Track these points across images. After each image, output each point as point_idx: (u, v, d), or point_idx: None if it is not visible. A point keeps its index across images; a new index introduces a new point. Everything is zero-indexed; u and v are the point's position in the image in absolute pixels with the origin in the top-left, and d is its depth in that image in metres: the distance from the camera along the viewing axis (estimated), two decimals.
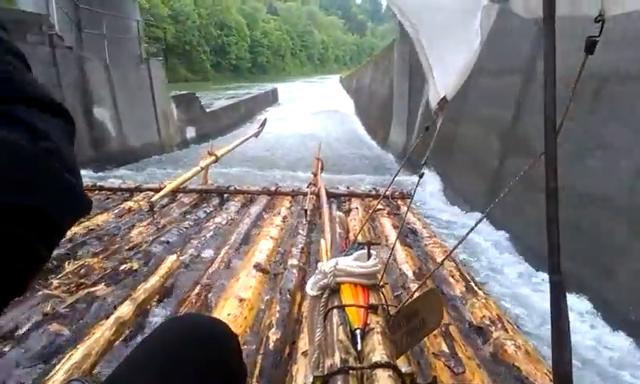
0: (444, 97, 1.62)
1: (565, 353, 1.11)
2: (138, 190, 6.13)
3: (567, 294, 1.13)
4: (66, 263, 3.55)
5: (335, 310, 1.43)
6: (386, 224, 4.48)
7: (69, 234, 3.93)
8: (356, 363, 1.17)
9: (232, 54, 72.46)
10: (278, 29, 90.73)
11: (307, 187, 5.90)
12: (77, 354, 2.20)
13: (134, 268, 3.55)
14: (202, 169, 6.33)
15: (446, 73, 1.49)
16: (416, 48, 1.51)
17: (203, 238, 4.35)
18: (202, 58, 64.30)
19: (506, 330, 2.71)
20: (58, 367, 2.12)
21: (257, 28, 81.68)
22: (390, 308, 1.63)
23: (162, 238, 4.29)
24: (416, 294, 1.79)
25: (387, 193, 4.62)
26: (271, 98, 39.75)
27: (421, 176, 1.71)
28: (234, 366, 0.90)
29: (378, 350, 1.20)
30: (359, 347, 1.25)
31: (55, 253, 1.83)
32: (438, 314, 1.56)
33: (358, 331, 1.30)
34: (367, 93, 27.71)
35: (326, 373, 1.14)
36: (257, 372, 2.24)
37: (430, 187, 9.83)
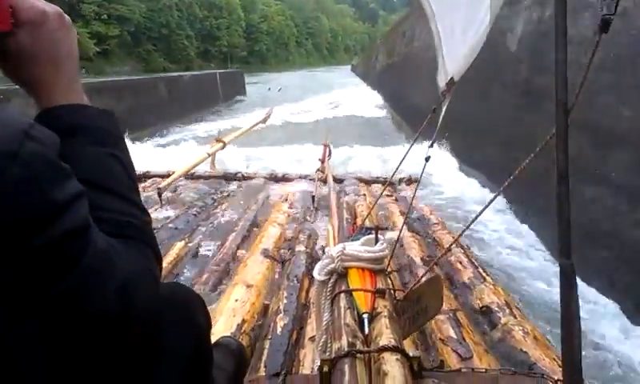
0: (451, 78, 1.59)
1: (574, 339, 1.09)
2: (146, 176, 6.16)
3: None
4: None
5: (342, 295, 1.43)
6: (394, 209, 4.46)
7: None
8: (363, 347, 1.16)
9: (223, 40, 60.98)
10: (281, 14, 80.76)
11: (315, 173, 5.88)
12: None
13: None
14: (210, 155, 6.33)
15: (456, 54, 1.47)
16: (431, 28, 1.48)
17: (211, 225, 4.36)
18: (185, 44, 53.53)
19: (514, 316, 2.70)
20: None
21: (254, 11, 71.32)
22: (396, 293, 1.63)
23: (170, 225, 4.31)
24: (422, 280, 1.78)
25: (394, 178, 4.57)
26: (219, 94, 23.89)
27: (427, 159, 1.68)
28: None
29: (385, 334, 1.19)
30: (366, 331, 1.25)
31: None
32: (438, 300, 1.56)
33: (365, 315, 1.29)
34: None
35: (333, 356, 1.14)
36: (265, 357, 2.25)
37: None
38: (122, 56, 42.09)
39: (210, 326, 1.01)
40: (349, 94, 21.40)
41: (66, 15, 0.69)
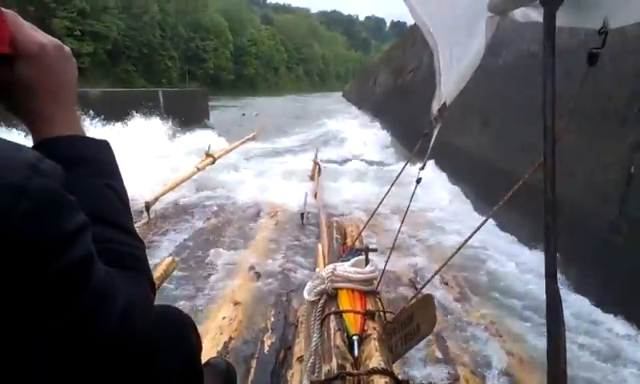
0: (444, 103, 1.63)
1: (560, 361, 1.11)
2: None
3: None
4: None
5: (332, 316, 1.43)
6: (384, 229, 4.49)
7: None
8: (353, 369, 1.17)
9: (209, 62, 56.76)
10: (271, 38, 77.08)
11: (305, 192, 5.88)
12: None
13: None
14: (199, 170, 6.31)
15: (449, 79, 1.51)
16: (434, 60, 1.52)
17: (199, 240, 4.34)
18: (167, 65, 48.92)
19: (500, 336, 2.72)
20: None
21: (243, 33, 66.80)
22: (386, 314, 1.63)
23: (158, 239, 4.28)
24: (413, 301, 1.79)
25: (383, 202, 4.58)
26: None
27: (418, 181, 1.71)
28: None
29: (374, 357, 1.20)
30: (356, 353, 1.25)
31: None
32: (431, 319, 1.56)
33: (355, 337, 1.30)
34: None
35: (323, 378, 1.14)
36: (251, 376, 2.24)
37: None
38: (98, 76, 37.56)
39: (200, 347, 1.02)
40: (346, 127, 14.78)
41: (66, 47, 0.70)
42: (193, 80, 51.70)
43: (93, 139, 0.71)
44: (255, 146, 10.29)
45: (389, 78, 18.59)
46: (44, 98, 0.65)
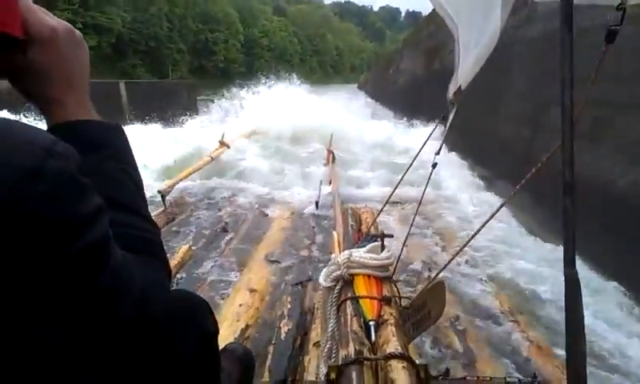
0: (459, 87, 1.61)
1: (579, 348, 1.10)
2: None
3: None
4: None
5: (349, 302, 1.44)
6: (399, 216, 4.48)
7: None
8: (370, 354, 1.17)
9: (219, 54, 54.01)
10: (284, 29, 74.53)
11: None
12: None
13: None
14: (213, 159, 6.35)
15: (466, 65, 1.48)
16: (454, 43, 1.50)
17: (215, 229, 4.38)
18: (176, 59, 46.72)
19: (518, 323, 2.71)
20: None
21: (254, 25, 64.22)
22: (401, 300, 1.64)
23: (174, 228, 4.33)
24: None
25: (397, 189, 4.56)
26: (125, 117, 12.52)
27: (434, 166, 1.70)
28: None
29: (392, 342, 1.21)
30: (373, 338, 1.26)
31: None
32: (441, 304, 1.57)
33: (372, 323, 1.31)
34: None
35: (340, 363, 1.15)
36: (269, 362, 2.26)
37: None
38: (102, 70, 34.75)
39: (217, 332, 1.02)
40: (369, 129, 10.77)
41: (77, 31, 0.70)
42: (202, 73, 49.46)
43: (107, 123, 0.71)
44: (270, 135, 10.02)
45: (418, 63, 14.94)
46: (57, 84, 0.65)
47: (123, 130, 0.74)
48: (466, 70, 1.49)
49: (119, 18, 39.00)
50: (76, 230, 0.50)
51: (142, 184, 0.73)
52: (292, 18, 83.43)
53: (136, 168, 0.73)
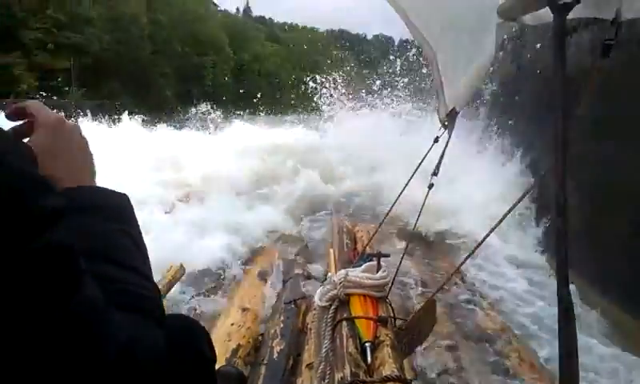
0: (453, 108, 1.63)
1: (573, 372, 1.11)
2: None
3: None
4: None
5: (344, 322, 1.43)
6: (395, 235, 4.49)
7: None
8: (366, 377, 1.17)
9: (207, 79, 50.88)
10: (276, 55, 71.96)
11: None
12: None
13: None
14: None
15: (456, 87, 1.51)
16: (431, 68, 1.53)
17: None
18: (160, 83, 42.83)
19: (511, 343, 2.71)
20: None
21: (246, 49, 61.36)
22: (397, 321, 1.63)
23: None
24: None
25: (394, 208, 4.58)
26: None
27: (430, 187, 1.71)
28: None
29: (388, 364, 1.20)
30: (369, 360, 1.25)
31: None
32: (432, 321, 1.57)
33: (367, 344, 1.30)
34: None
35: None
36: (260, 383, 2.23)
37: None
38: (77, 95, 32.67)
39: (215, 359, 1.01)
40: None
41: (66, 121, 0.75)
42: (190, 100, 42.88)
43: (109, 189, 0.73)
44: None
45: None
46: (56, 167, 0.68)
47: (129, 198, 0.74)
48: (456, 93, 1.52)
49: (95, 37, 36.01)
50: (36, 224, 0.45)
51: (144, 246, 0.72)
52: (286, 45, 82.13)
53: (140, 233, 0.73)
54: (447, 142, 1.59)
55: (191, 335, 0.93)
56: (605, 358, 2.70)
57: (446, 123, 1.58)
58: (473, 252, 1.43)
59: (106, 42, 37.03)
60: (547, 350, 2.62)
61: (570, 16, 1.10)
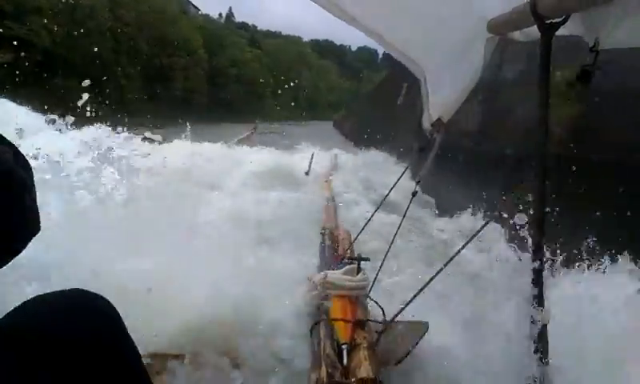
0: (439, 118, 1.65)
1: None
2: None
3: None
4: None
5: (322, 323, 1.45)
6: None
7: None
8: (342, 378, 1.18)
9: (177, 82, 47.34)
10: (256, 61, 68.46)
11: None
12: None
13: None
14: None
15: (444, 98, 1.53)
16: (420, 82, 1.54)
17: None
18: (123, 84, 38.74)
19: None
20: None
21: (222, 53, 58.08)
22: (375, 324, 1.64)
23: None
24: (405, 315, 1.79)
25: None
26: None
27: (414, 194, 1.73)
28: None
29: (363, 366, 1.21)
30: (345, 362, 1.27)
31: None
32: (416, 340, 1.54)
33: (344, 346, 1.31)
34: None
35: None
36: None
37: None
38: (25, 93, 24.40)
39: (118, 317, 0.92)
40: None
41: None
42: (157, 101, 39.47)
43: None
44: None
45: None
46: None
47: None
48: (443, 104, 1.54)
49: (45, 31, 31.44)
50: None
51: None
52: (267, 51, 79.28)
53: None
54: (434, 151, 1.61)
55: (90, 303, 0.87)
56: None
57: (433, 133, 1.60)
58: (446, 264, 1.44)
59: (58, 35, 32.35)
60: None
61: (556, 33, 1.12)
